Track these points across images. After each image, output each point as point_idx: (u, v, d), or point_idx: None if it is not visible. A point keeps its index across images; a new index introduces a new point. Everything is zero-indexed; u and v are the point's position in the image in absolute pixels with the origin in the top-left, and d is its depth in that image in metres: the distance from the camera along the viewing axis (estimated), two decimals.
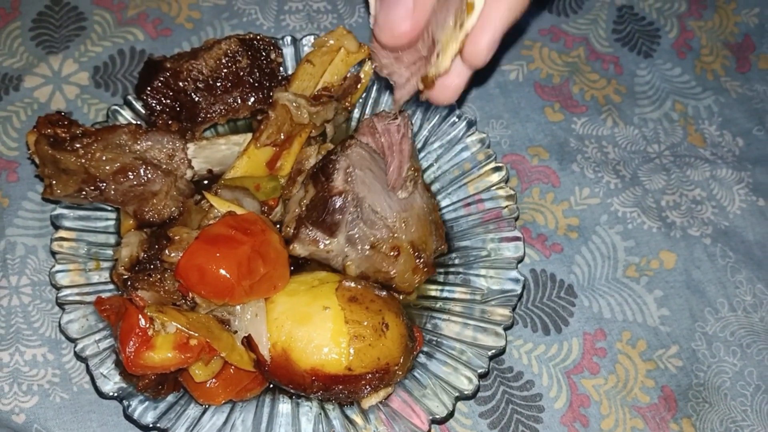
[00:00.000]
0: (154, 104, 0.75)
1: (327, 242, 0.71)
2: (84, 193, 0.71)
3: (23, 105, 0.89)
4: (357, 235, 0.72)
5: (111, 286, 0.74)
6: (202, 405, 0.70)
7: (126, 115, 0.81)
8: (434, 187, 0.83)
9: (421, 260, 0.74)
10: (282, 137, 0.76)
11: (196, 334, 0.65)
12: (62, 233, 0.76)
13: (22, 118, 0.88)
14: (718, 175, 0.91)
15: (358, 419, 0.70)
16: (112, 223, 0.77)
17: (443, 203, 0.82)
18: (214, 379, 0.68)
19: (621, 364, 0.80)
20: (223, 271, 0.65)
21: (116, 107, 0.81)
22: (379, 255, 0.73)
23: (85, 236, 0.76)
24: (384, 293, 0.71)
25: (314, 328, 0.66)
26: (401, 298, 0.77)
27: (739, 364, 0.81)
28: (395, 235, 0.73)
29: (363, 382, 0.66)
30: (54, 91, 0.90)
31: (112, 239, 0.77)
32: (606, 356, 0.80)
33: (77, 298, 0.73)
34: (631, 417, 0.77)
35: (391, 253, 0.73)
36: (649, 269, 0.85)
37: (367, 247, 0.72)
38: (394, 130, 0.75)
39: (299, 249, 0.71)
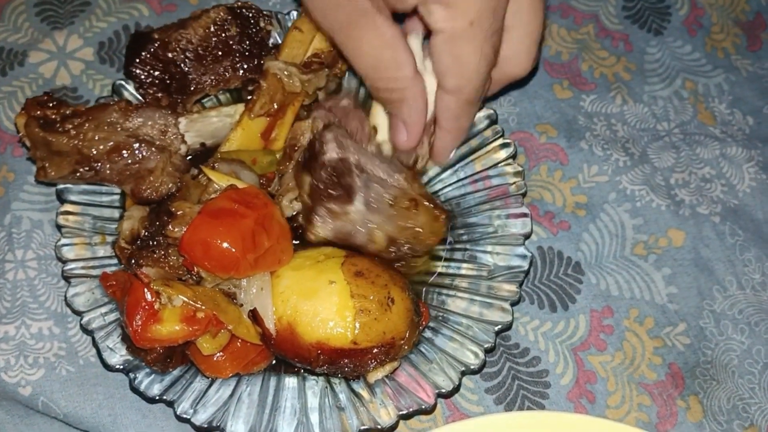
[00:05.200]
0: (143, 77, 0.75)
1: (347, 209, 0.69)
2: (79, 173, 0.71)
3: (28, 80, 0.89)
4: (375, 197, 0.71)
5: (116, 260, 0.74)
6: (208, 378, 0.70)
7: (131, 90, 0.80)
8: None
9: (437, 208, 0.73)
10: (275, 107, 0.75)
11: (203, 307, 0.65)
12: (68, 207, 0.76)
13: (27, 93, 0.88)
14: (728, 154, 0.90)
15: (364, 393, 0.70)
16: (117, 197, 0.77)
17: (450, 180, 0.81)
18: (221, 353, 0.68)
19: (628, 341, 0.79)
20: (227, 245, 0.65)
21: (121, 81, 0.80)
22: (400, 211, 0.71)
23: (91, 210, 0.76)
24: (390, 269, 0.70)
25: (320, 302, 0.66)
26: (418, 265, 0.77)
27: (747, 342, 0.80)
28: (407, 190, 0.72)
29: (369, 356, 0.66)
30: (59, 67, 0.90)
31: (117, 213, 0.77)
32: (613, 333, 0.80)
33: (83, 271, 0.73)
34: (638, 394, 0.77)
35: (411, 207, 0.72)
36: (658, 247, 0.84)
37: (387, 206, 0.71)
38: (344, 101, 0.75)
39: (322, 230, 0.69)
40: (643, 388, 0.77)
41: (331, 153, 0.70)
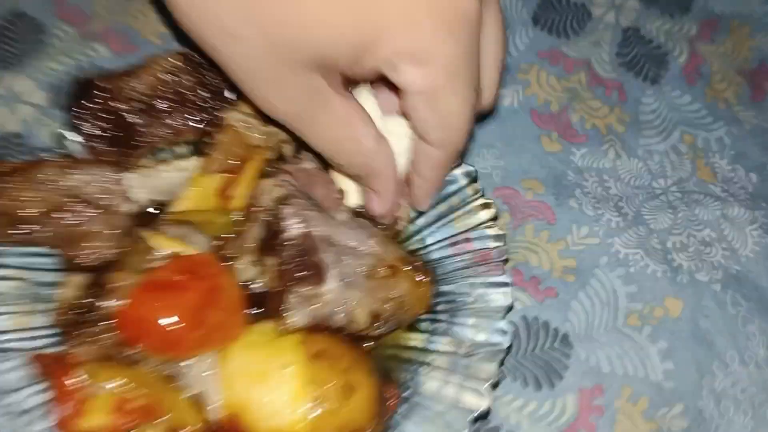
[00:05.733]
0: (87, 129, 0.68)
1: (320, 291, 0.63)
2: (13, 237, 0.64)
3: None
4: (349, 272, 0.64)
5: (56, 331, 0.67)
6: None
7: (77, 139, 0.73)
8: (419, 222, 0.75)
9: (418, 272, 0.68)
10: (233, 162, 0.69)
11: (138, 394, 0.58)
12: (3, 272, 0.68)
13: None
14: (729, 214, 0.83)
15: None
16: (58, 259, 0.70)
17: (428, 241, 0.74)
18: None
19: (620, 425, 0.72)
20: (168, 322, 0.58)
21: (64, 132, 0.73)
22: (379, 282, 0.65)
23: (29, 275, 0.69)
24: (354, 348, 0.63)
25: (271, 388, 0.59)
26: (387, 338, 0.69)
27: (750, 425, 0.73)
28: (382, 257, 0.66)
29: None
30: (6, 111, 0.83)
31: (59, 277, 0.69)
32: (604, 415, 0.72)
33: (18, 345, 0.66)
34: None
35: (390, 275, 0.66)
36: (653, 318, 0.77)
37: (364, 279, 0.65)
38: (307, 165, 0.70)
39: (297, 321, 0.62)
40: None
41: (293, 229, 0.64)
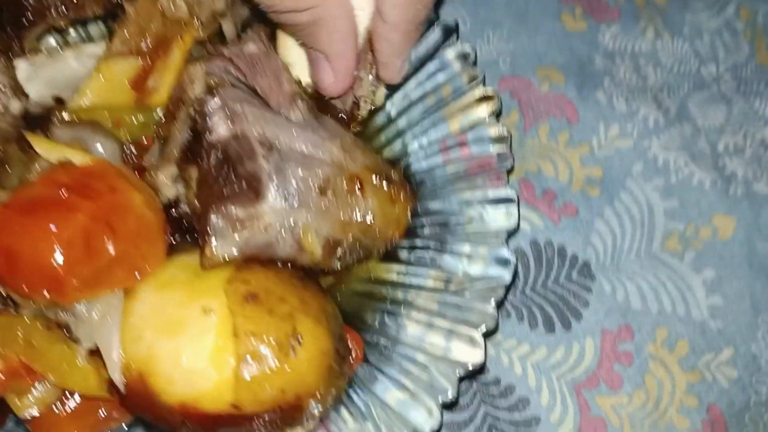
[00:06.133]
0: None
1: (256, 211, 0.49)
2: None
3: None
4: (295, 185, 0.50)
5: None
6: None
7: None
8: (400, 124, 0.60)
9: (392, 185, 0.56)
10: (150, 43, 0.54)
11: (10, 350, 0.45)
12: None
13: None
14: None
15: None
16: None
17: (412, 145, 0.60)
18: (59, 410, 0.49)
19: (653, 375, 0.62)
20: (45, 254, 0.45)
21: None
22: (338, 198, 0.52)
23: None
24: (302, 287, 0.49)
25: (186, 341, 0.45)
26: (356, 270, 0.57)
27: None
28: (344, 165, 0.54)
29: (260, 424, 0.45)
30: None
31: None
32: (632, 364, 0.62)
33: None
34: None
35: (353, 189, 0.53)
36: (698, 240, 0.66)
37: (316, 192, 0.51)
38: (250, 47, 0.56)
39: (221, 250, 0.48)
40: None
41: (219, 129, 0.50)
